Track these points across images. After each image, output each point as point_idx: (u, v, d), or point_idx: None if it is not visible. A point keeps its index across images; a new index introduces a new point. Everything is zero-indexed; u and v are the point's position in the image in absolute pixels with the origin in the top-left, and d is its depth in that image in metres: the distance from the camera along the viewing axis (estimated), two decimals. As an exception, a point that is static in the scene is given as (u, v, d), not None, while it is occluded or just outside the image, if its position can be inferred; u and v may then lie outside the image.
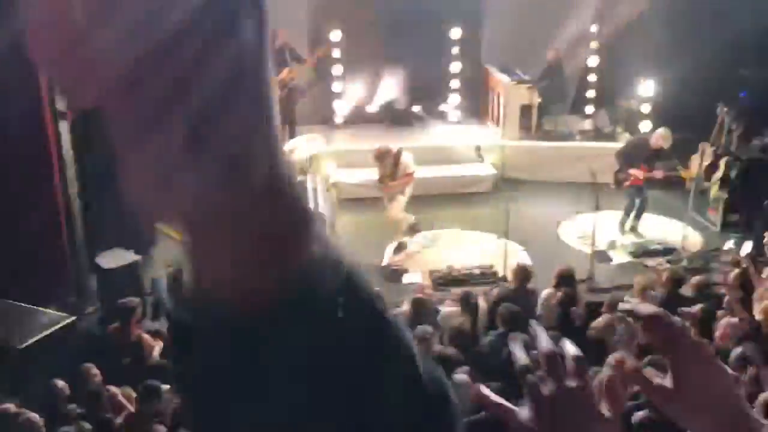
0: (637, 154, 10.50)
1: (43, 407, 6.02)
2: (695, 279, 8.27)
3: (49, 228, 8.23)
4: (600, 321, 7.35)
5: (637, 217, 10.68)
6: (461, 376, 5.71)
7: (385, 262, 9.98)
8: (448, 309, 8.02)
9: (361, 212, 11.52)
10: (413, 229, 10.43)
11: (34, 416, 5.70)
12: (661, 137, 10.45)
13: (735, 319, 7.14)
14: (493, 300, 8.05)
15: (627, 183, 10.46)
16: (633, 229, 10.71)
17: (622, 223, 10.69)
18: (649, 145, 10.48)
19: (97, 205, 9.02)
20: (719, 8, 11.65)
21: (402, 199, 10.21)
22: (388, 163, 10.04)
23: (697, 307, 7.42)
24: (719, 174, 10.87)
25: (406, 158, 10.14)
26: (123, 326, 7.37)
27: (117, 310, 7.56)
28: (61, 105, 8.53)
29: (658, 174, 10.58)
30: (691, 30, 11.90)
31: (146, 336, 7.40)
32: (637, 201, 10.59)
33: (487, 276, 9.42)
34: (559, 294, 7.79)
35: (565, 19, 13.02)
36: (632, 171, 10.35)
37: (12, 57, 7.64)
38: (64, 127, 8.53)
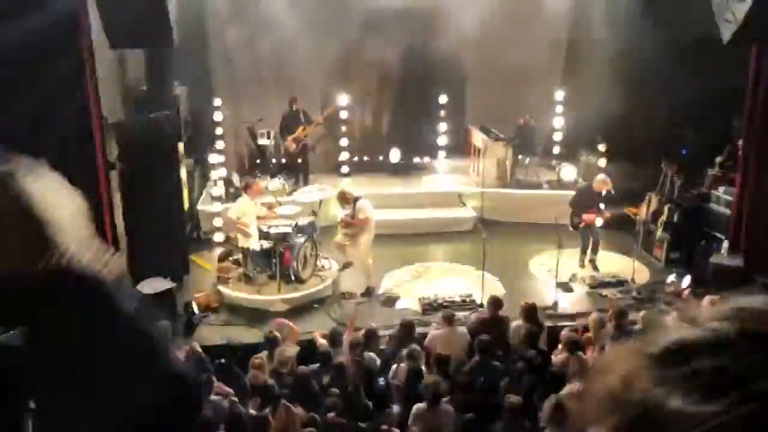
0: (585, 199, 10.60)
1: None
2: (643, 313, 8.21)
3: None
4: (559, 358, 7.33)
5: (593, 252, 10.71)
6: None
7: (381, 290, 9.97)
8: (435, 332, 8.01)
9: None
10: (368, 292, 9.85)
11: None
12: (601, 182, 10.62)
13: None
14: (472, 327, 8.07)
15: (581, 225, 10.54)
16: (591, 262, 10.72)
17: (581, 259, 10.72)
18: (593, 190, 10.61)
19: (139, 240, 9.08)
20: (663, 77, 11.81)
21: (363, 251, 9.79)
22: (348, 205, 9.85)
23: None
24: (663, 218, 10.91)
25: (363, 204, 9.78)
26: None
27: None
28: (111, 156, 8.66)
29: (605, 215, 10.68)
30: (640, 95, 12.03)
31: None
32: (591, 239, 10.65)
33: (466, 303, 9.42)
34: (525, 327, 7.77)
35: (535, 86, 13.20)
36: (584, 216, 10.44)
37: (71, 112, 7.81)
38: (113, 175, 8.63)
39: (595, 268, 10.63)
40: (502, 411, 6.19)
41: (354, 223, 9.70)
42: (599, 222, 10.59)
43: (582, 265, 10.65)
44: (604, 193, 10.62)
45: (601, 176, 10.76)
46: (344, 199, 9.86)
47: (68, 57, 7.61)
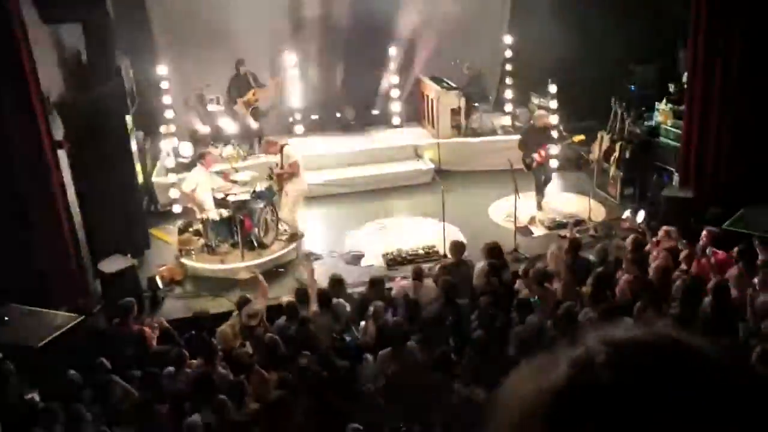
0: (532, 138, 10.78)
1: (60, 396, 6.02)
2: (598, 245, 8.48)
3: (57, 243, 8.16)
4: (524, 292, 7.53)
5: (542, 188, 10.85)
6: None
7: (346, 250, 10.04)
8: (400, 284, 8.14)
9: (327, 206, 11.56)
10: (293, 238, 9.94)
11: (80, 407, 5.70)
12: (541, 117, 10.84)
13: (631, 277, 7.35)
14: (437, 275, 8.20)
15: (534, 164, 10.71)
16: (538, 203, 10.80)
17: (538, 201, 10.92)
18: (537, 128, 10.81)
19: (95, 218, 8.97)
20: (610, 14, 11.90)
21: (289, 202, 9.78)
22: (276, 153, 9.84)
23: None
24: (615, 155, 11.11)
25: (288, 150, 9.82)
26: (123, 322, 7.36)
27: (118, 308, 7.54)
28: (57, 135, 8.46)
29: (554, 150, 10.87)
30: (588, 36, 12.13)
31: (145, 329, 7.40)
32: (543, 177, 10.83)
33: (430, 255, 9.56)
34: (489, 263, 7.92)
35: (483, 32, 13.19)
36: (535, 155, 10.61)
37: (9, 94, 7.60)
38: (62, 155, 8.45)
39: (540, 207, 10.68)
40: (470, 346, 6.38)
41: (285, 173, 9.69)
42: (553, 161, 10.76)
43: (540, 208, 10.85)
44: (551, 131, 10.76)
45: (539, 112, 10.98)
46: (271, 149, 9.84)
47: (1, 37, 7.36)
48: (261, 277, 8.15)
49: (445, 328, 7.03)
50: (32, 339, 7.00)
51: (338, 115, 13.65)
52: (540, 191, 10.87)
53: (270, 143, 9.96)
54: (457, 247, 8.30)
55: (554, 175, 11.25)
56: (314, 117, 13.54)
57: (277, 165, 9.85)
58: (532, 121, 11.29)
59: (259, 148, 11.48)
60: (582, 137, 11.22)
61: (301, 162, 9.86)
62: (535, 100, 13.13)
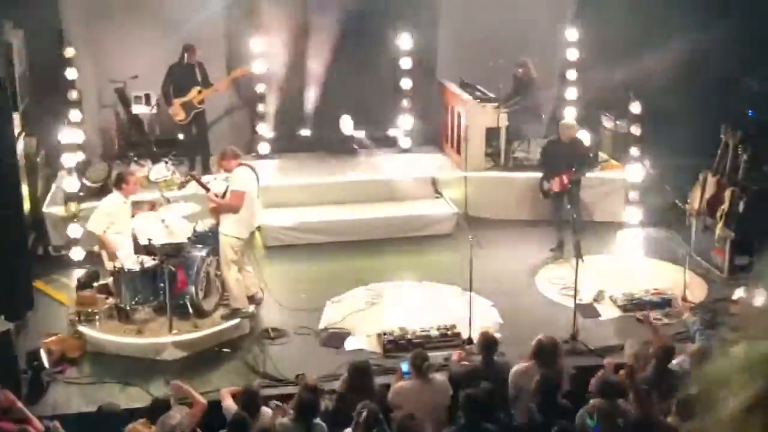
0: (553, 155, 11.26)
1: None
2: (695, 345, 8.32)
3: None
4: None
5: (575, 230, 10.93)
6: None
7: (322, 324, 9.92)
8: (402, 384, 7.99)
9: (292, 262, 11.52)
10: (255, 301, 9.92)
11: None
12: (566, 127, 11.26)
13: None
14: (456, 374, 8.06)
15: (554, 190, 11.15)
16: (575, 248, 10.48)
17: (559, 244, 11.31)
18: (562, 142, 11.22)
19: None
20: (716, 7, 12.05)
21: (230, 253, 9.54)
22: (230, 171, 9.66)
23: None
24: (725, 207, 11.08)
25: (239, 173, 9.57)
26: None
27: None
28: None
29: (579, 175, 11.30)
30: (685, 35, 12.24)
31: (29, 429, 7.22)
32: (571, 212, 10.98)
33: (448, 338, 9.43)
34: (539, 373, 7.79)
35: (537, 25, 13.32)
36: (551, 180, 11.14)
37: None
38: None
39: (579, 256, 9.90)
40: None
41: (224, 204, 9.54)
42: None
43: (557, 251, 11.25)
44: (582, 150, 11.39)
45: (566, 120, 11.25)
46: (226, 161, 9.61)
47: None
48: (192, 392, 7.93)
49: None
50: None
51: (321, 130, 13.69)
52: (558, 227, 11.21)
53: (228, 155, 9.76)
54: (486, 343, 8.20)
55: (584, 213, 11.70)
56: (300, 133, 13.59)
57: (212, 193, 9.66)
58: (555, 136, 11.75)
59: (196, 172, 11.38)
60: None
61: (253, 194, 9.68)
62: (608, 123, 13.18)
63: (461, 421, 7.21)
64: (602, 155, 12.92)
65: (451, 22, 13.65)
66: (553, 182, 11.25)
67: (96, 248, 10.26)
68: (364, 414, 7.02)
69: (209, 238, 9.78)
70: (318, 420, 7.33)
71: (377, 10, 13.16)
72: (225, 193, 9.56)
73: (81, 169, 11.64)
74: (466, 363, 8.36)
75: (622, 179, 12.55)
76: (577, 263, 9.56)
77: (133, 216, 9.87)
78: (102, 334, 9.44)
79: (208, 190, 9.61)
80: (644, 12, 12.16)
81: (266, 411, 7.54)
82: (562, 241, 11.33)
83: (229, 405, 7.66)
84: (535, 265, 11.26)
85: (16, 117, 10.40)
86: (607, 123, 13.21)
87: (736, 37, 12.35)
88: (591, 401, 7.39)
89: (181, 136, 12.73)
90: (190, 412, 7.67)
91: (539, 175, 12.69)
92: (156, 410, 7.42)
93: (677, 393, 7.29)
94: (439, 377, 8.00)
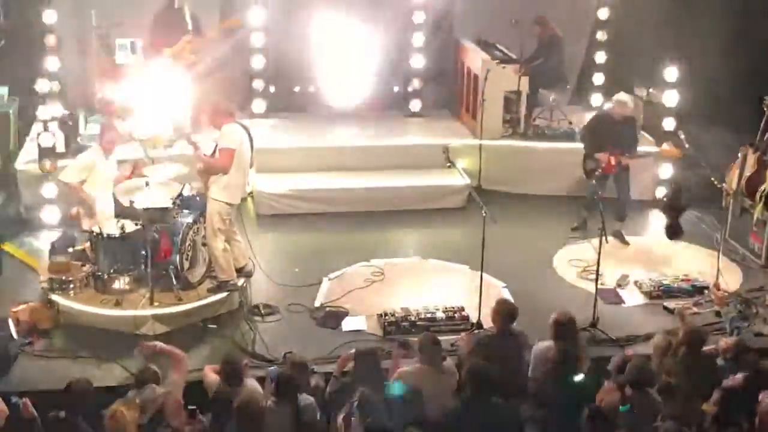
0: (600, 132, 11.17)
1: None
2: (729, 341, 8.34)
3: None
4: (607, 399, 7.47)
5: (619, 215, 11.25)
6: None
7: (318, 302, 9.99)
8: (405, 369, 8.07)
9: (286, 233, 11.58)
10: (244, 274, 9.89)
11: None
12: (620, 104, 11.16)
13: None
14: (465, 352, 8.15)
15: (599, 171, 11.00)
16: (617, 235, 11.22)
17: (600, 231, 11.13)
18: (611, 118, 11.20)
19: None
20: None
21: (217, 220, 9.45)
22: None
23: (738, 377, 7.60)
24: (765, 188, 11.08)
25: (228, 129, 9.39)
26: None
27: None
28: None
29: (631, 159, 11.27)
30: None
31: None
32: (618, 195, 11.19)
33: (455, 321, 9.50)
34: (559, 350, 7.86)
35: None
36: (599, 156, 11.05)
37: None
38: None
39: (623, 241, 11.22)
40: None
41: (209, 165, 9.44)
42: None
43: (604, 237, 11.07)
44: (635, 129, 11.35)
45: (619, 95, 11.25)
46: (219, 117, 9.48)
47: None
48: (172, 348, 8.00)
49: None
50: None
51: (322, 88, 13.70)
52: (589, 208, 11.11)
53: (222, 110, 9.65)
54: (505, 311, 8.22)
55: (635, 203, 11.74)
56: (298, 91, 13.59)
57: (196, 145, 9.61)
58: (606, 109, 11.71)
59: (189, 128, 11.39)
60: (674, 150, 11.36)
61: (246, 155, 9.63)
62: (641, 92, 13.16)
63: (467, 392, 7.29)
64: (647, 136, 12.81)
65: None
66: (602, 160, 11.06)
67: (73, 210, 10.25)
68: (357, 399, 7.13)
69: (197, 203, 9.81)
70: (305, 396, 7.41)
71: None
72: (214, 153, 9.53)
73: (60, 122, 11.56)
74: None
75: (656, 153, 12.57)
76: (600, 243, 9.60)
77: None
78: (76, 304, 9.43)
79: (197, 148, 9.62)
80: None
81: (251, 383, 7.60)
82: (585, 220, 11.36)
83: (212, 380, 7.72)
84: (554, 244, 11.29)
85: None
86: (639, 90, 13.17)
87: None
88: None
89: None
90: (175, 369, 7.73)
91: (561, 145, 12.78)
92: (140, 381, 7.43)
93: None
94: (445, 363, 8.05)
